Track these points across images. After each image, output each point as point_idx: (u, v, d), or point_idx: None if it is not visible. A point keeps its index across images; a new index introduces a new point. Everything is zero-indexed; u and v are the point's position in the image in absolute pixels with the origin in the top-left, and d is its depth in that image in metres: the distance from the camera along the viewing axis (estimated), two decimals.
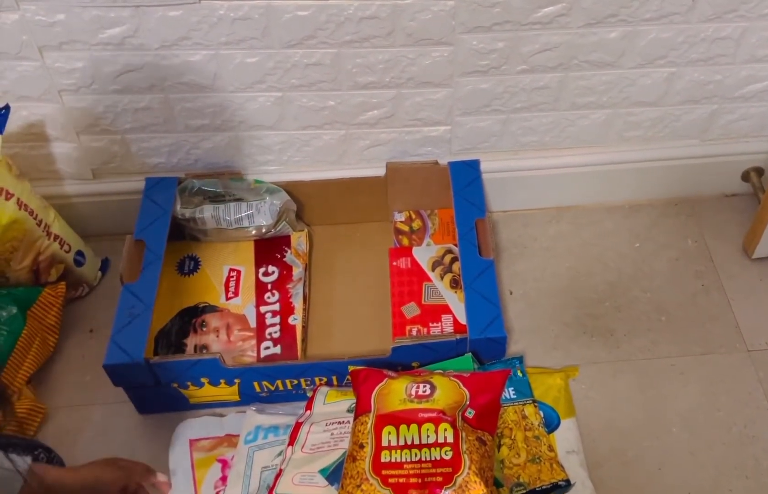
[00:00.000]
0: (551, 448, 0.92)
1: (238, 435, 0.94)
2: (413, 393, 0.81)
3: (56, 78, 0.97)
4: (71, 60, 0.95)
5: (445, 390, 0.81)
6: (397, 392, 0.82)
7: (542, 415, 0.95)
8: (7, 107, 0.93)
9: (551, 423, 0.96)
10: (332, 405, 0.92)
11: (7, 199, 0.93)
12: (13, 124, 0.96)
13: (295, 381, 0.97)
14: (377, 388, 0.82)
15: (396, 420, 0.79)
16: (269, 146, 1.10)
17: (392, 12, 0.94)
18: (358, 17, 0.94)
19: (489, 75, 1.04)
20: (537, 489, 0.87)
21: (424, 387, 0.81)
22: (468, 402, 0.81)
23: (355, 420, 0.81)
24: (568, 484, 0.88)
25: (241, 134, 1.07)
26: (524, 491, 0.86)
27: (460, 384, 0.82)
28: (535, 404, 0.96)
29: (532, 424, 0.93)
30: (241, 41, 0.95)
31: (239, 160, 1.11)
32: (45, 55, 0.94)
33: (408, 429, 0.78)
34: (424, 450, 0.77)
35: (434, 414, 0.79)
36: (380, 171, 1.15)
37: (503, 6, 0.95)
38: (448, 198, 1.12)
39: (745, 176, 1.24)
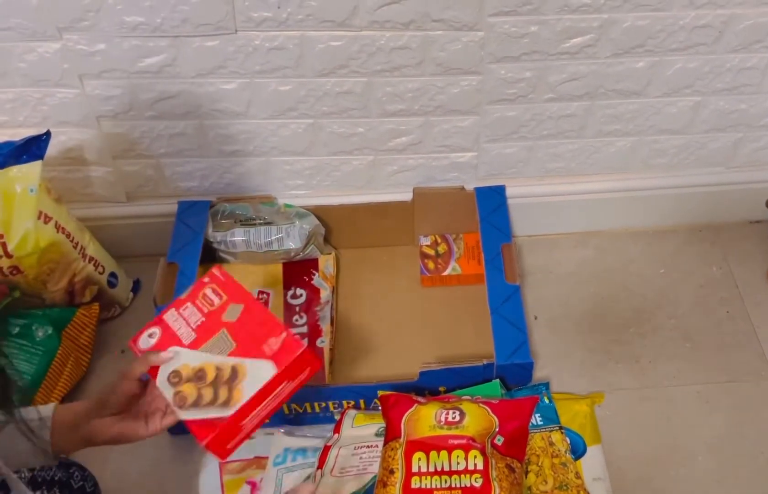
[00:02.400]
0: (578, 475, 0.92)
1: (267, 457, 0.95)
2: (443, 419, 0.82)
3: (95, 105, 0.99)
4: (110, 87, 0.97)
5: (475, 416, 0.82)
6: (426, 418, 0.82)
7: (569, 442, 0.95)
8: (48, 134, 0.96)
9: (577, 450, 0.97)
10: (360, 428, 0.93)
11: (46, 222, 0.96)
12: (52, 148, 0.99)
13: (323, 404, 0.98)
14: (407, 414, 0.83)
15: (426, 446, 0.80)
16: (299, 171, 1.12)
17: (423, 42, 0.96)
18: (389, 47, 0.96)
19: (516, 103, 1.06)
20: None
21: (454, 413, 0.82)
22: (497, 429, 0.82)
23: (384, 445, 0.82)
24: None
25: (272, 159, 1.09)
26: None
27: (489, 410, 0.83)
28: (562, 430, 0.96)
29: (559, 451, 0.93)
30: (275, 70, 0.97)
31: (270, 184, 1.13)
32: (85, 83, 0.97)
33: (438, 456, 0.79)
34: (455, 476, 0.77)
35: (464, 441, 0.79)
36: (407, 196, 1.17)
37: (532, 37, 0.97)
38: (474, 223, 1.13)
39: None
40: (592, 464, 0.96)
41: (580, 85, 1.04)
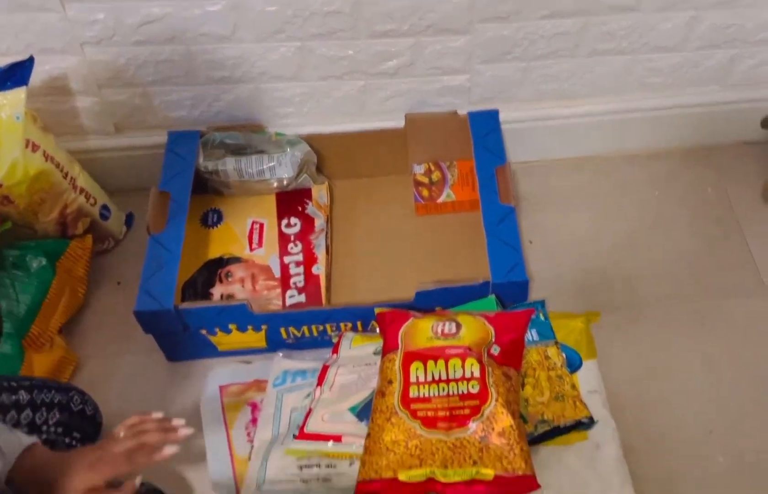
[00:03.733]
0: (574, 387, 0.93)
1: (267, 381, 0.96)
2: (439, 331, 0.82)
3: (78, 30, 0.97)
4: (93, 11, 0.95)
5: (471, 327, 0.82)
6: (423, 330, 0.83)
7: (564, 356, 0.96)
8: (31, 59, 0.94)
9: (573, 364, 0.97)
10: (358, 349, 0.94)
11: (33, 151, 0.94)
12: (36, 78, 0.97)
13: (321, 327, 0.98)
14: (404, 327, 0.84)
15: (423, 356, 0.80)
16: (290, 98, 1.10)
17: None
18: None
19: (509, 21, 1.04)
20: (561, 426, 0.88)
21: (450, 325, 0.83)
22: (493, 340, 0.82)
23: (383, 358, 0.82)
24: (591, 422, 0.89)
25: (261, 85, 1.08)
26: (548, 428, 0.87)
27: (486, 322, 0.84)
28: (558, 345, 0.96)
29: (554, 364, 0.94)
30: None
31: (260, 112, 1.12)
32: (67, 7, 0.95)
33: (435, 365, 0.79)
34: (452, 384, 0.78)
35: (461, 350, 0.80)
36: (399, 123, 1.15)
37: None
38: (467, 147, 1.12)
39: (765, 123, 1.23)
40: (587, 377, 0.97)
41: (573, 1, 1.02)
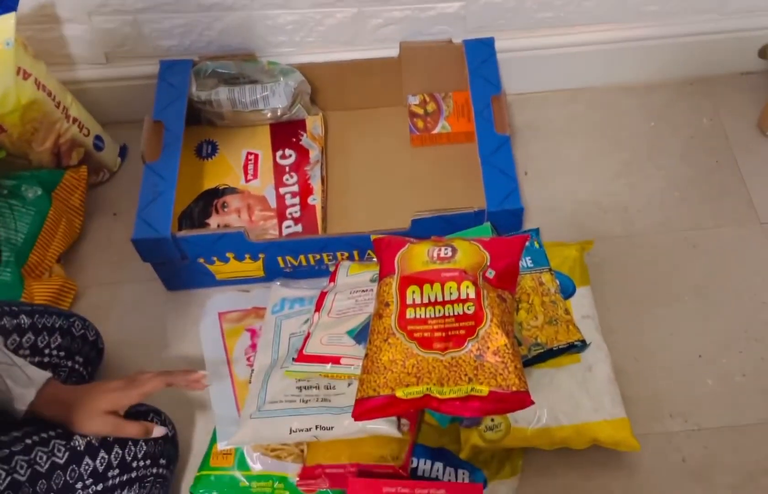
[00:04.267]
0: (567, 312, 0.94)
1: (265, 308, 0.97)
2: (435, 255, 0.83)
3: None
4: None
5: (467, 252, 0.83)
6: (419, 255, 0.84)
7: (558, 283, 0.97)
8: None
9: (567, 290, 0.99)
10: (355, 276, 0.95)
11: (25, 78, 0.93)
12: (24, 5, 0.95)
13: (318, 256, 0.99)
14: (400, 252, 0.84)
15: (419, 280, 0.81)
16: (282, 26, 1.09)
17: None
18: None
19: None
20: (554, 349, 0.89)
21: (446, 249, 0.83)
22: (488, 263, 0.83)
23: (379, 281, 0.83)
24: (583, 344, 0.91)
25: (253, 13, 1.06)
26: (542, 350, 0.89)
27: (481, 246, 0.84)
28: (552, 272, 0.97)
29: (548, 290, 0.95)
30: None
31: (252, 41, 1.10)
32: None
33: (431, 288, 0.80)
34: (447, 306, 0.79)
35: (456, 273, 0.81)
36: (394, 52, 1.14)
37: None
38: (462, 79, 1.11)
39: (762, 53, 1.22)
40: (581, 303, 0.98)
41: None
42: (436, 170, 1.15)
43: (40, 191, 0.98)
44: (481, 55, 1.12)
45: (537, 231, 1.04)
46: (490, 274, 0.82)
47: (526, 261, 0.98)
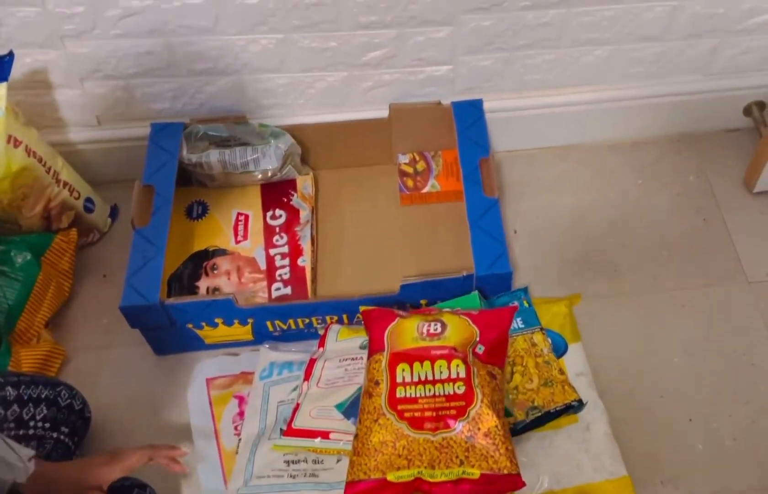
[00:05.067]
0: (562, 371, 0.94)
1: (253, 372, 0.97)
2: (425, 331, 0.83)
3: (57, 23, 0.96)
4: (71, 4, 0.94)
5: (456, 327, 0.83)
6: (409, 330, 0.84)
7: (550, 341, 0.98)
8: (11, 54, 0.93)
9: (559, 349, 0.99)
10: (345, 342, 0.95)
11: (15, 146, 0.94)
12: (17, 71, 0.96)
13: (307, 320, 0.99)
14: (389, 327, 0.84)
15: (409, 357, 0.81)
16: (273, 89, 1.10)
17: None
18: None
19: (492, 12, 1.03)
20: (552, 411, 0.89)
21: (435, 325, 0.83)
22: (478, 339, 0.83)
23: (369, 358, 0.83)
24: (580, 404, 0.91)
25: (244, 77, 1.07)
26: (540, 414, 0.89)
27: (470, 321, 0.84)
28: (543, 331, 0.98)
29: (541, 351, 0.95)
30: None
31: (244, 103, 1.11)
32: (46, 0, 0.94)
33: (421, 366, 0.80)
34: (438, 385, 0.79)
35: (446, 351, 0.81)
36: (384, 113, 1.15)
37: None
38: (452, 139, 1.12)
39: (747, 111, 1.24)
40: (574, 360, 0.99)
41: None
42: (425, 228, 1.15)
43: (29, 256, 0.97)
44: (469, 117, 1.13)
45: (526, 290, 1.05)
46: (480, 349, 0.82)
47: (516, 322, 0.98)
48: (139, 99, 1.08)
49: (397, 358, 0.81)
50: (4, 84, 0.91)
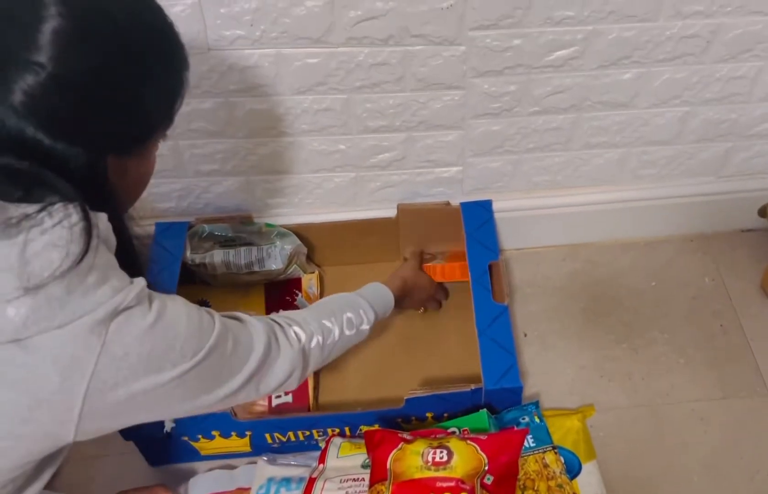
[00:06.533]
0: None
1: (249, 489, 0.92)
2: (430, 459, 0.78)
3: None
4: None
5: (463, 455, 0.79)
6: (413, 458, 0.79)
7: (563, 461, 0.93)
8: None
9: (573, 469, 0.94)
10: (346, 459, 0.90)
11: None
12: None
13: (307, 432, 0.95)
14: (393, 453, 0.80)
15: (414, 489, 0.76)
16: (280, 189, 1.09)
17: (403, 58, 0.93)
18: (368, 64, 0.93)
19: (501, 117, 1.03)
20: None
21: (441, 452, 0.79)
22: (486, 468, 0.79)
23: (371, 487, 0.79)
24: None
25: (251, 178, 1.06)
26: None
27: (478, 448, 0.80)
28: (555, 450, 0.93)
29: (554, 472, 0.90)
30: (251, 89, 0.94)
31: (250, 203, 1.10)
32: None
33: None
34: None
35: (453, 483, 0.76)
36: (391, 212, 1.14)
37: (515, 50, 0.94)
38: (460, 238, 1.10)
39: (762, 212, 1.22)
40: (588, 481, 0.94)
41: (565, 98, 1.01)
42: (431, 330, 1.12)
43: None
44: (478, 219, 1.11)
45: (537, 404, 1.01)
46: (489, 480, 0.77)
47: (528, 440, 0.94)
48: (145, 198, 1.05)
49: (401, 489, 0.76)
50: None
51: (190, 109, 0.96)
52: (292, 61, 0.92)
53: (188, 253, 1.05)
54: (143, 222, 1.09)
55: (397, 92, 0.97)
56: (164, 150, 1.01)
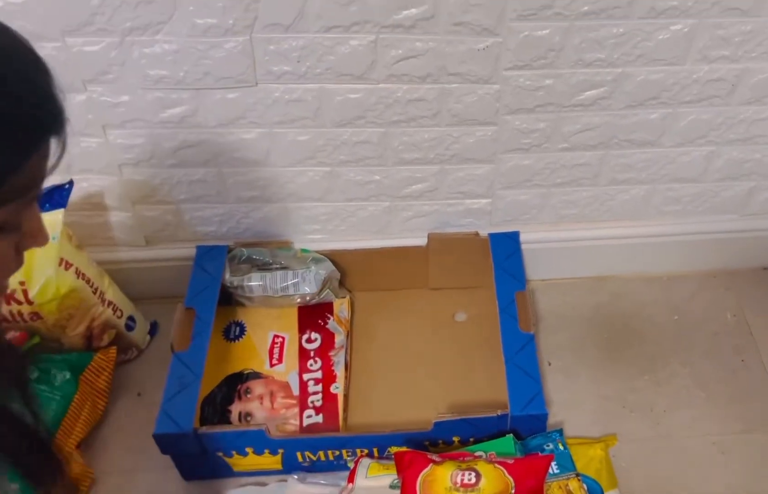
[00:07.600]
0: None
1: None
2: (459, 481, 0.81)
3: (117, 153, 1.01)
4: (132, 137, 0.99)
5: (491, 478, 0.82)
6: (442, 479, 0.82)
7: (586, 489, 0.95)
8: (71, 183, 0.98)
9: None
10: (374, 479, 0.93)
11: (66, 268, 0.97)
12: (73, 195, 1.00)
13: (337, 452, 0.98)
14: (422, 474, 0.83)
15: None
16: (316, 216, 1.13)
17: (439, 95, 0.97)
18: (406, 99, 0.97)
19: (531, 152, 1.07)
20: None
21: (470, 475, 0.82)
22: (513, 492, 0.81)
23: None
24: None
25: (289, 205, 1.11)
26: None
27: (505, 471, 0.83)
28: (579, 478, 0.95)
29: None
30: (294, 121, 0.99)
31: (287, 229, 1.14)
32: (108, 132, 0.99)
33: None
34: None
35: None
36: (422, 241, 1.17)
37: (546, 90, 0.98)
38: (488, 268, 1.14)
39: None
40: None
41: (593, 136, 1.05)
42: (457, 357, 1.15)
43: (68, 374, 0.99)
44: (506, 249, 1.15)
45: (560, 432, 1.03)
46: None
47: (552, 467, 0.96)
48: (187, 222, 1.12)
49: None
50: (62, 211, 0.96)
51: (235, 138, 1.01)
52: (334, 95, 0.96)
53: (227, 275, 1.10)
54: (184, 244, 1.14)
55: (433, 127, 1.01)
56: (209, 177, 1.05)
